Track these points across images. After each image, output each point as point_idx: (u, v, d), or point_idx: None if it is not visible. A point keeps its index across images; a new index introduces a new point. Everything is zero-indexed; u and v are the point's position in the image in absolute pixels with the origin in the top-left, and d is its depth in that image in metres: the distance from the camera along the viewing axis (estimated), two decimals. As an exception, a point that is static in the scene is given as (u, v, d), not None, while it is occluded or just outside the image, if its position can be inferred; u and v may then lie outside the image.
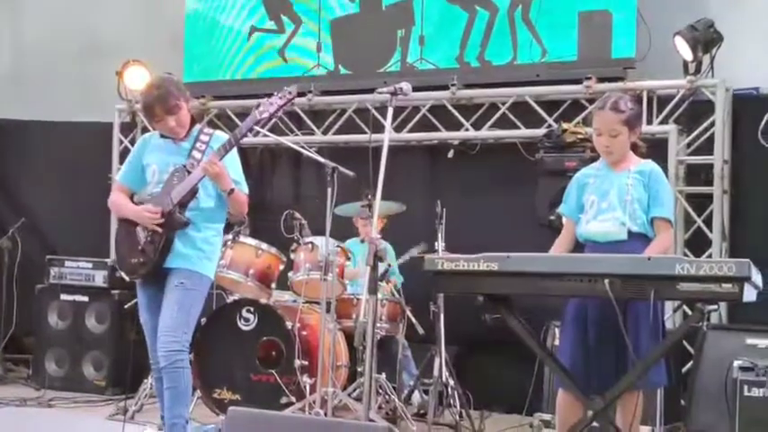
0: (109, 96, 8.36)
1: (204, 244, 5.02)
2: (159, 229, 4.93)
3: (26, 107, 8.87)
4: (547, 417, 6.30)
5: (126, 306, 7.13)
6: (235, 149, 5.07)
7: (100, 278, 7.56)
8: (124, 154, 7.33)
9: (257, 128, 6.55)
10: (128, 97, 8.30)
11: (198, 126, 5.18)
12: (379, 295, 6.16)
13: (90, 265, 7.61)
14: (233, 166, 5.06)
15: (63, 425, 6.41)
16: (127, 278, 5.27)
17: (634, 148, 4.78)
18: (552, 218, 6.20)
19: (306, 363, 6.22)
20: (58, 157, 8.71)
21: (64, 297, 7.60)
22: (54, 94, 8.89)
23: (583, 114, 6.92)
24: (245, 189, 5.12)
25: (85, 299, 7.55)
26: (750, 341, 5.67)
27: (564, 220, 4.93)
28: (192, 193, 4.94)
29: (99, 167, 8.27)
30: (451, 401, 6.46)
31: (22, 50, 9.18)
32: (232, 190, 4.94)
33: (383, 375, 6.31)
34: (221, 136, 5.09)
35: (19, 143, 8.87)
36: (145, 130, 8.24)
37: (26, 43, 9.21)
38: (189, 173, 4.94)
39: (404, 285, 6.78)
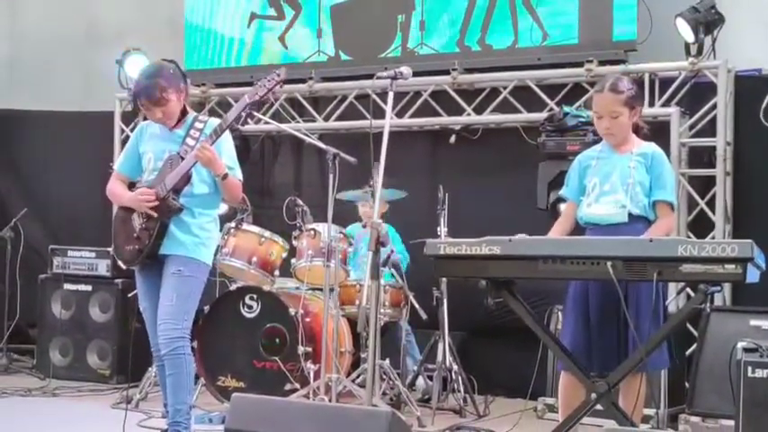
0: (109, 85, 8.35)
1: (199, 230, 5.01)
2: (154, 214, 4.93)
3: (26, 97, 8.87)
4: (550, 400, 6.33)
5: (129, 295, 7.11)
6: (228, 134, 5.06)
7: (103, 267, 7.58)
8: (125, 143, 7.31)
9: (258, 115, 6.59)
10: (128, 86, 8.28)
11: (193, 113, 5.17)
12: (382, 281, 6.17)
13: (93, 255, 7.63)
14: (226, 151, 5.04)
15: (68, 414, 6.42)
16: (124, 266, 5.29)
17: (636, 129, 4.77)
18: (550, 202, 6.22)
19: (309, 349, 6.23)
20: (59, 146, 8.73)
21: (67, 286, 7.61)
22: (54, 83, 8.90)
23: (584, 98, 6.89)
24: (239, 175, 5.10)
25: (89, 288, 7.57)
26: (754, 322, 5.68)
27: (563, 204, 4.92)
28: (186, 179, 4.93)
29: (101, 157, 8.25)
30: (455, 386, 6.49)
31: (20, 39, 9.16)
32: (225, 175, 4.92)
33: (387, 361, 6.31)
34: (216, 123, 5.08)
35: (20, 133, 8.87)
36: (146, 119, 8.25)
37: (24, 32, 9.19)
38: (183, 159, 4.94)
39: (406, 271, 6.78)
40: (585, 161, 4.83)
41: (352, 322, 6.54)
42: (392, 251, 6.51)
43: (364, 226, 6.82)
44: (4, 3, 9.33)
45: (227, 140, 5.07)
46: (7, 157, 8.88)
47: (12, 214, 8.20)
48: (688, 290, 5.91)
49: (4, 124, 8.82)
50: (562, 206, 5.74)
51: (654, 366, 4.72)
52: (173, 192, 4.93)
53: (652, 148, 4.73)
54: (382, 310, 6.33)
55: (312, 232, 6.44)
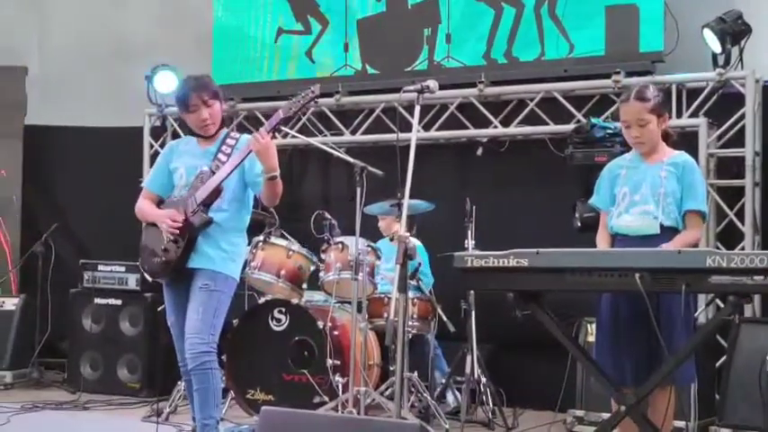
0: (138, 101, 8.42)
1: (227, 245, 5.03)
2: (171, 238, 4.95)
3: (56, 112, 8.95)
4: (579, 413, 6.30)
5: (159, 309, 7.09)
6: None
7: (133, 281, 7.62)
8: (154, 158, 7.38)
9: (285, 129, 6.60)
10: (157, 101, 8.34)
11: (224, 130, 5.20)
12: (410, 294, 6.16)
13: (123, 269, 7.66)
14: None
15: (99, 427, 6.47)
16: (150, 278, 5.30)
17: (665, 137, 4.75)
18: (577, 215, 6.20)
19: (338, 362, 6.23)
20: (89, 161, 8.79)
21: (98, 301, 7.65)
22: (83, 99, 8.97)
23: (612, 109, 6.88)
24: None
25: (119, 302, 7.61)
26: (784, 333, 5.65)
27: (601, 214, 4.89)
28: (216, 193, 4.95)
29: (130, 171, 8.32)
30: (484, 399, 6.49)
31: (50, 56, 9.23)
32: (275, 176, 4.86)
33: (415, 374, 6.31)
34: (248, 139, 5.10)
35: (51, 149, 8.95)
36: (175, 134, 8.30)
37: (54, 48, 9.27)
38: (213, 174, 4.97)
39: (434, 284, 6.78)
40: (615, 170, 4.80)
41: (380, 335, 6.55)
42: (420, 265, 6.51)
43: (392, 239, 6.81)
44: (34, 20, 9.42)
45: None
46: (38, 173, 8.94)
47: (43, 229, 8.25)
48: (717, 301, 5.89)
49: (34, 140, 8.90)
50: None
51: (681, 382, 4.70)
52: (202, 205, 4.95)
53: (683, 156, 4.70)
54: (410, 323, 6.33)
55: (340, 246, 6.43)
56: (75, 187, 8.83)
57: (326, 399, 6.14)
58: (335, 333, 6.36)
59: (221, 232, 5.01)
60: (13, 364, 7.94)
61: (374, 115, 7.88)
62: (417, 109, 4.87)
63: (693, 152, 6.32)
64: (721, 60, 6.74)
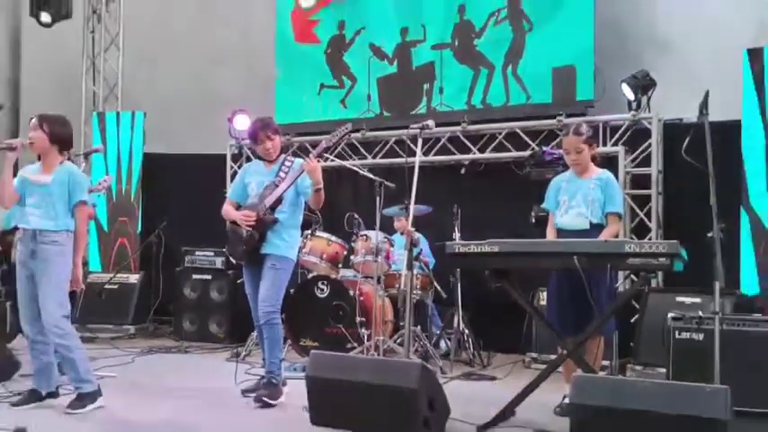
0: (222, 135, 8.45)
1: (287, 236, 5.03)
2: (254, 223, 4.96)
3: (165, 143, 8.95)
4: (534, 355, 6.30)
5: (238, 282, 7.13)
6: None
7: (219, 262, 7.64)
8: (234, 176, 7.40)
9: (327, 155, 6.62)
10: (236, 136, 8.38)
11: (283, 155, 5.23)
12: (415, 270, 6.19)
13: (212, 254, 7.69)
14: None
15: (196, 365, 6.47)
16: (234, 261, 5.33)
17: (593, 159, 4.80)
18: (533, 213, 6.20)
19: (363, 319, 6.26)
20: (188, 178, 8.78)
21: (195, 276, 7.68)
22: (184, 133, 8.99)
23: (556, 140, 6.89)
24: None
25: (209, 277, 7.63)
26: (679, 299, 5.65)
27: (550, 214, 4.93)
28: (279, 200, 4.98)
29: (217, 185, 8.36)
30: (467, 345, 6.48)
31: (159, 104, 9.26)
32: (320, 189, 4.84)
33: (418, 328, 6.31)
34: (300, 162, 5.13)
35: (161, 170, 8.95)
36: (248, 159, 8.32)
37: (162, 98, 9.30)
38: (276, 186, 5.00)
39: (433, 269, 6.77)
40: (558, 183, 4.86)
41: (394, 300, 6.56)
42: (422, 251, 6.53)
43: (402, 234, 6.85)
44: (148, 75, 9.45)
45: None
46: (153, 187, 8.94)
47: (156, 225, 8.30)
48: (632, 276, 5.90)
49: (150, 163, 8.92)
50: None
51: (607, 333, 4.72)
52: (270, 209, 4.99)
53: (606, 174, 4.75)
54: (414, 292, 6.33)
55: (365, 237, 6.47)
56: (179, 196, 8.80)
57: (356, 345, 6.18)
58: (362, 299, 6.38)
59: (283, 227, 5.02)
60: (135, 320, 7.98)
61: (388, 145, 7.89)
62: (419, 141, 4.90)
63: (614, 170, 6.35)
64: (634, 105, 6.76)
